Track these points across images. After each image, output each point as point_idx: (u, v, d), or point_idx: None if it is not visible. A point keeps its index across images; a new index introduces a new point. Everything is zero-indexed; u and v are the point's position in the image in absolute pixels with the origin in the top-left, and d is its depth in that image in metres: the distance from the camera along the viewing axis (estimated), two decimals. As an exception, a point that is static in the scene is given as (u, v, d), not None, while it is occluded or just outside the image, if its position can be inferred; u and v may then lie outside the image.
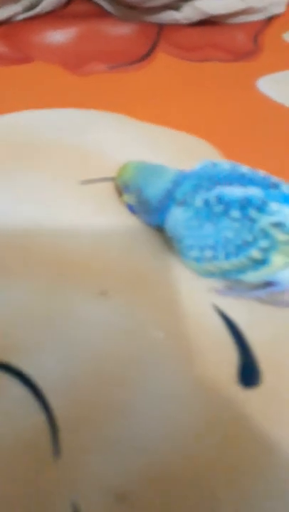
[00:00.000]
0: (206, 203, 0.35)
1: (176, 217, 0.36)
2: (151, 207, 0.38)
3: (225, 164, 0.39)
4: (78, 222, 0.40)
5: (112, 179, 0.43)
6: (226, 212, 0.34)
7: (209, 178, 0.36)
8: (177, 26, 0.65)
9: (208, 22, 0.66)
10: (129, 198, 0.39)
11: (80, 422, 0.29)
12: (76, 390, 0.30)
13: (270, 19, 0.67)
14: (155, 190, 0.37)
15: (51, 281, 0.36)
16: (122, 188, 0.40)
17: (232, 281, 0.36)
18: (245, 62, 0.59)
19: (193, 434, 0.29)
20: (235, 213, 0.33)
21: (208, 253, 0.34)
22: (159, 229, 0.39)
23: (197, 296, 0.35)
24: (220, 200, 0.34)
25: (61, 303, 0.34)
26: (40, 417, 0.28)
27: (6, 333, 0.32)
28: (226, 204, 0.34)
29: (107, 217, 0.41)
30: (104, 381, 0.30)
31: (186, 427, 0.29)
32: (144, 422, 0.29)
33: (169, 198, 0.37)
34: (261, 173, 0.37)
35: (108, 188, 0.43)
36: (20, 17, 0.64)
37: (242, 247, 0.33)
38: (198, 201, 0.35)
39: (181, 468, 0.27)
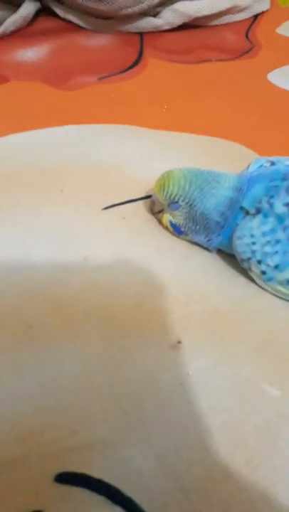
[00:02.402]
0: (292, 207, 0.27)
1: (251, 232, 0.28)
2: (210, 223, 0.29)
3: (285, 160, 0.32)
4: (113, 257, 0.31)
5: (144, 198, 0.35)
6: None
7: (283, 178, 0.28)
8: (159, 33, 0.59)
9: (190, 26, 0.60)
10: (175, 217, 0.31)
11: None
12: (191, 499, 0.20)
13: (256, 17, 0.63)
14: (214, 201, 0.29)
15: (107, 340, 0.26)
16: (165, 205, 0.31)
17: None
18: (246, 60, 0.53)
19: None
20: None
21: (307, 271, 0.26)
22: (220, 251, 0.31)
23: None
24: (308, 201, 0.27)
25: (130, 368, 0.25)
26: None
27: (71, 430, 0.22)
28: None
29: (148, 245, 0.32)
30: (228, 478, 0.21)
31: None
32: None
33: (234, 209, 0.29)
34: None
35: (136, 209, 0.35)
36: (-17, 38, 0.56)
37: None
38: (279, 207, 0.27)
39: None
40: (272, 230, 0.27)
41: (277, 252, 0.27)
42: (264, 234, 0.27)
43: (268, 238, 0.27)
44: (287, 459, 0.22)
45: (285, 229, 0.27)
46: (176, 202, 0.30)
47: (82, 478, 0.21)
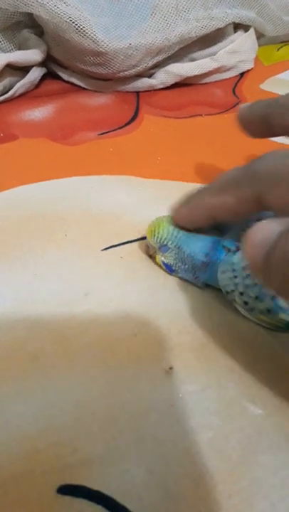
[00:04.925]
0: (267, 244, 0.30)
1: (233, 267, 0.31)
2: (197, 263, 0.33)
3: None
4: (112, 292, 0.34)
5: (139, 239, 0.39)
6: (293, 251, 0.29)
7: (258, 219, 0.32)
8: (153, 91, 0.66)
9: (182, 84, 0.66)
10: (166, 257, 0.34)
11: None
12: (180, 508, 0.22)
13: (242, 74, 0.69)
14: (199, 244, 0.33)
15: (105, 367, 0.29)
16: (156, 248, 0.35)
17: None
18: (233, 113, 0.58)
19: None
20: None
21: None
22: (208, 285, 0.34)
23: (283, 356, 0.30)
24: (282, 238, 0.30)
25: (126, 392, 0.27)
26: None
27: (72, 448, 0.25)
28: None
29: (143, 282, 0.35)
30: (214, 488, 0.23)
31: None
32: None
33: (217, 249, 0.32)
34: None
35: (132, 250, 0.38)
36: (-5, 101, 0.62)
37: None
38: (257, 244, 0.30)
39: None
40: (251, 265, 0.30)
41: (256, 284, 0.30)
42: (244, 268, 0.31)
43: (247, 272, 0.31)
44: (267, 470, 0.24)
45: (262, 263, 0.30)
46: (166, 245, 0.34)
47: (82, 490, 0.23)
